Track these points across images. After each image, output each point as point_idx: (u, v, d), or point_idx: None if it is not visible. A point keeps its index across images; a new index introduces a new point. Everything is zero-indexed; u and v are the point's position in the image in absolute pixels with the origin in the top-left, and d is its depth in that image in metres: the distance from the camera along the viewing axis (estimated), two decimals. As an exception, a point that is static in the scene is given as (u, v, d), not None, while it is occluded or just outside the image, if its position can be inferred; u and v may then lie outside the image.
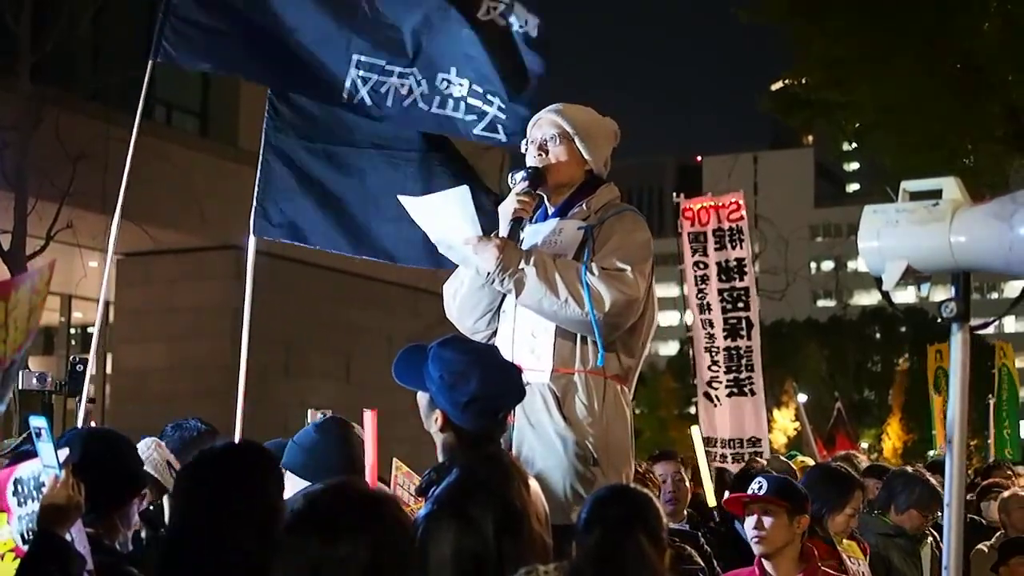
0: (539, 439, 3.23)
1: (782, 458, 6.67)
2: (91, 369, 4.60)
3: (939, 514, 5.03)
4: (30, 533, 2.68)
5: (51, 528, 2.56)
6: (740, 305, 6.86)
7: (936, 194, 1.94)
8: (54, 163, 12.22)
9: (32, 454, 2.75)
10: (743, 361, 6.82)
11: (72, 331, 18.22)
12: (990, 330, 2.36)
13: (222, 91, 15.93)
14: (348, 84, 4.40)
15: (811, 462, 6.99)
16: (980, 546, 5.25)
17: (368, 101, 4.40)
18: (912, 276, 1.96)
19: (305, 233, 4.79)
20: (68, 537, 2.59)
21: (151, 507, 4.39)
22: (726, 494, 4.68)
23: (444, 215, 3.36)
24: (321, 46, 4.43)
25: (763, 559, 3.56)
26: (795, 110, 17.46)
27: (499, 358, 2.93)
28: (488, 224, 3.42)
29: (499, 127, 4.45)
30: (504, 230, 3.37)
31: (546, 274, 3.22)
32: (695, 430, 5.70)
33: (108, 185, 12.07)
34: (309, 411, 4.94)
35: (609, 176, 3.63)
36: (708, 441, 6.64)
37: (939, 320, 1.98)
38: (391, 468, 4.79)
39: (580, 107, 3.58)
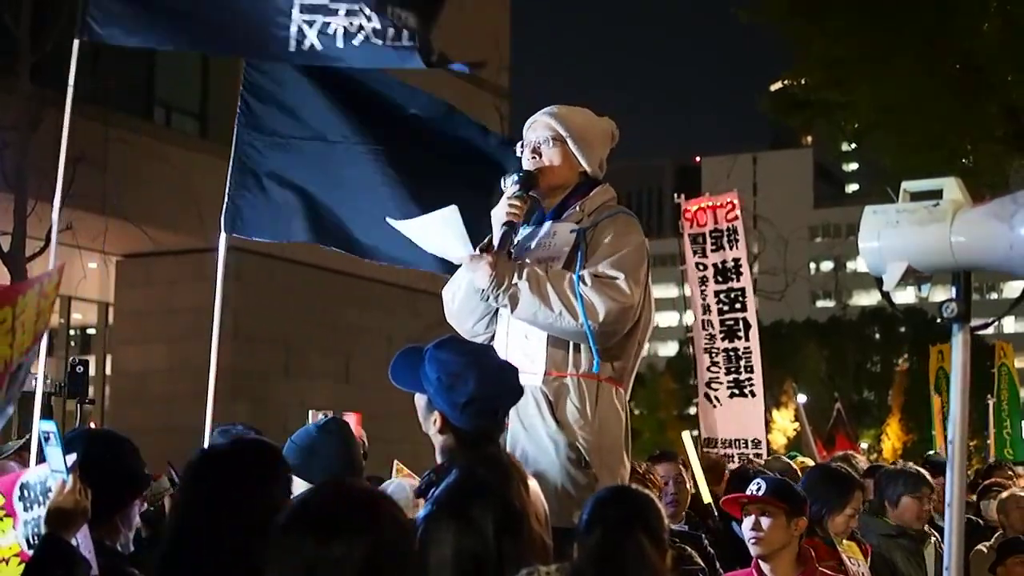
0: (532, 442, 3.23)
1: (783, 458, 6.66)
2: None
3: (936, 513, 5.05)
4: (35, 538, 2.68)
5: (57, 532, 2.57)
6: (737, 306, 6.86)
7: (937, 194, 1.94)
8: (54, 164, 12.21)
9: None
10: (742, 362, 6.82)
11: (72, 332, 18.21)
12: (989, 330, 2.36)
13: (222, 92, 15.93)
14: (294, 32, 4.10)
15: (811, 463, 6.98)
16: (979, 547, 5.25)
17: (319, 46, 4.10)
18: (913, 276, 1.96)
19: (278, 230, 4.67)
20: (74, 542, 2.59)
21: (151, 508, 4.39)
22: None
23: (435, 235, 3.40)
24: (257, 1, 4.17)
25: (760, 561, 3.55)
26: (795, 110, 17.47)
27: (496, 358, 2.94)
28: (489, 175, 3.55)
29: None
30: (497, 235, 3.37)
31: (539, 288, 3.23)
32: (685, 435, 5.73)
33: (108, 186, 12.09)
34: (310, 412, 4.95)
35: (608, 177, 3.62)
36: (708, 442, 6.64)
37: (939, 320, 1.98)
38: (392, 469, 4.80)
39: (576, 109, 3.57)
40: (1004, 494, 5.81)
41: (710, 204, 6.97)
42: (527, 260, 3.38)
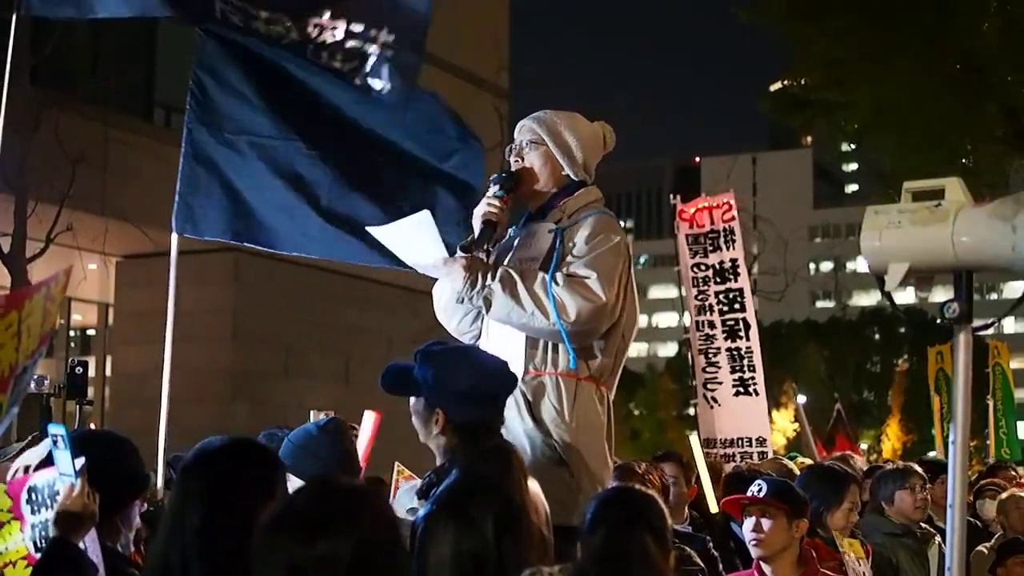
0: (510, 440, 3.25)
1: (783, 459, 6.66)
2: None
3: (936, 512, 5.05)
4: (43, 541, 2.69)
5: (66, 536, 2.57)
6: (736, 306, 6.86)
7: (938, 194, 1.94)
8: (54, 166, 12.22)
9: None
10: (744, 362, 6.82)
11: (71, 333, 18.20)
12: (989, 330, 2.36)
13: (221, 93, 15.95)
14: (217, 10, 4.09)
15: (811, 463, 6.98)
16: (980, 547, 5.25)
17: (239, 22, 4.10)
18: (914, 276, 1.96)
19: (228, 229, 4.57)
20: (82, 545, 2.60)
21: (152, 508, 4.39)
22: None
23: (409, 240, 3.44)
24: None
25: (761, 562, 3.54)
26: (794, 110, 17.47)
27: (485, 352, 3.01)
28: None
29: (383, 71, 4.15)
30: (477, 233, 3.43)
31: (512, 288, 3.27)
32: (693, 437, 5.71)
33: (107, 188, 12.09)
34: (311, 412, 4.94)
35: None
36: (707, 442, 6.64)
37: (939, 321, 1.97)
38: (393, 470, 4.79)
39: (564, 113, 3.61)
40: (1004, 495, 5.81)
41: (707, 205, 6.97)
42: (504, 261, 3.43)
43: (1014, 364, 13.26)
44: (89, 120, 13.15)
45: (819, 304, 64.18)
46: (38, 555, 2.69)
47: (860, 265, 58.46)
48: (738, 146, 64.65)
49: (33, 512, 2.73)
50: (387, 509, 1.85)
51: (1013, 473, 7.07)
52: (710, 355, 6.87)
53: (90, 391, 6.76)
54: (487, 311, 3.33)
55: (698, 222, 6.95)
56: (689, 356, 7.18)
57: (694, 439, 5.65)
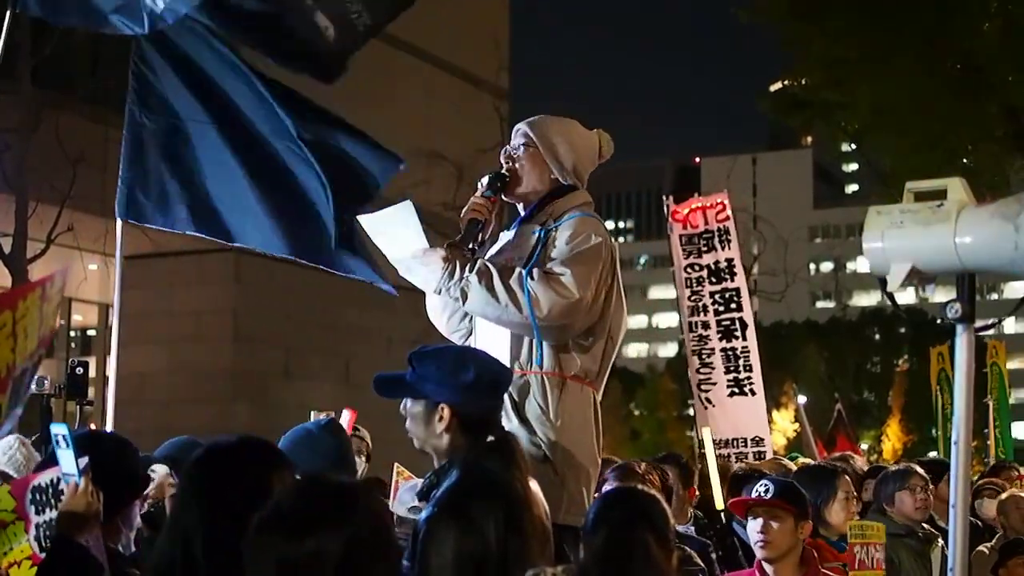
0: None
1: (783, 460, 6.66)
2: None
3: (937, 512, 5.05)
4: (47, 540, 2.69)
5: (70, 535, 2.58)
6: (733, 306, 6.86)
7: (940, 195, 1.93)
8: (54, 166, 12.22)
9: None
10: (740, 362, 6.82)
11: (72, 334, 18.20)
12: (990, 331, 2.36)
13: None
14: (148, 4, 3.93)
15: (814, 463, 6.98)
16: (981, 548, 5.25)
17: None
18: (916, 277, 1.95)
19: (172, 217, 4.36)
20: (85, 544, 2.60)
21: (152, 508, 4.38)
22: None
23: (391, 230, 3.47)
24: None
25: (764, 562, 3.54)
26: (794, 111, 17.48)
27: (477, 349, 3.05)
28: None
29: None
30: (463, 231, 3.48)
31: (488, 281, 3.30)
32: (706, 432, 5.69)
33: (108, 188, 12.08)
34: (312, 413, 4.93)
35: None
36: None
37: (940, 321, 1.97)
38: (392, 471, 4.79)
39: (559, 119, 3.65)
40: (1004, 495, 5.82)
41: (700, 205, 6.97)
42: (486, 257, 3.47)
43: (1013, 364, 13.27)
44: (89, 120, 13.14)
45: (819, 304, 64.17)
46: (43, 555, 2.69)
47: (860, 265, 58.51)
48: (738, 146, 64.71)
49: (37, 512, 2.74)
50: (378, 506, 1.85)
51: (1016, 473, 7.06)
52: (704, 356, 6.87)
53: (90, 391, 6.75)
54: (463, 303, 3.37)
55: (692, 223, 6.95)
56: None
57: (706, 432, 5.63)
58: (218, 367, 16.12)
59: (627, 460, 4.73)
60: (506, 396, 3.25)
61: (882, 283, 1.99)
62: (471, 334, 3.55)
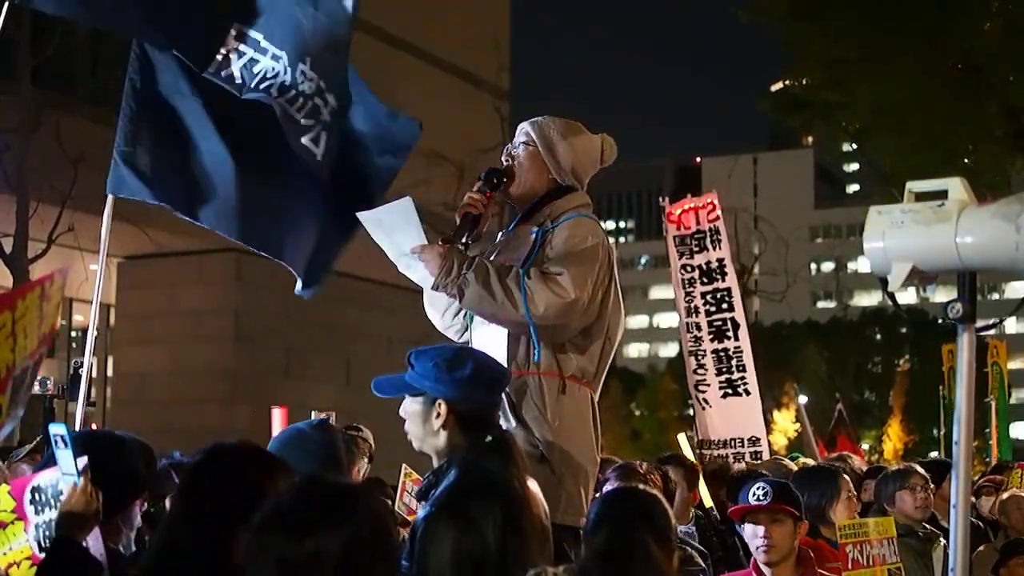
0: None
1: (783, 460, 6.66)
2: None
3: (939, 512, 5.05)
4: (47, 541, 2.69)
5: (69, 535, 2.58)
6: (724, 306, 6.86)
7: (941, 195, 1.93)
8: (54, 166, 12.23)
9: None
10: (733, 362, 6.82)
11: (73, 334, 18.21)
12: (992, 331, 2.35)
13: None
14: (220, 55, 3.94)
15: (813, 464, 6.98)
16: (982, 548, 5.26)
17: (238, 78, 3.94)
18: (917, 277, 1.95)
19: (166, 194, 4.20)
20: (85, 544, 2.60)
21: (152, 508, 4.38)
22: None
23: (391, 227, 3.47)
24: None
25: (763, 565, 3.53)
26: (795, 111, 17.48)
27: (477, 349, 3.06)
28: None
29: (321, 141, 4.04)
30: (457, 225, 3.50)
31: (485, 278, 3.31)
32: (681, 437, 5.72)
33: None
34: (312, 413, 4.93)
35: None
36: (703, 444, 6.64)
37: (941, 321, 1.97)
38: (400, 473, 4.80)
39: (561, 120, 3.65)
40: (1004, 495, 5.82)
41: (693, 206, 6.98)
42: (485, 256, 3.47)
43: (1013, 365, 13.27)
44: (89, 120, 13.15)
45: (820, 304, 64.18)
46: (42, 555, 2.70)
47: (861, 265, 58.47)
48: (738, 146, 64.73)
49: (37, 512, 2.74)
50: (378, 507, 1.85)
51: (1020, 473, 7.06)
52: (699, 357, 6.87)
53: (92, 392, 6.76)
54: (460, 300, 3.37)
55: (684, 223, 6.96)
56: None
57: (682, 438, 5.67)
58: (219, 367, 16.14)
59: (628, 460, 4.73)
60: (504, 397, 3.26)
61: (883, 283, 1.99)
62: (467, 330, 3.56)
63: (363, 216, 3.56)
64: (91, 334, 4.31)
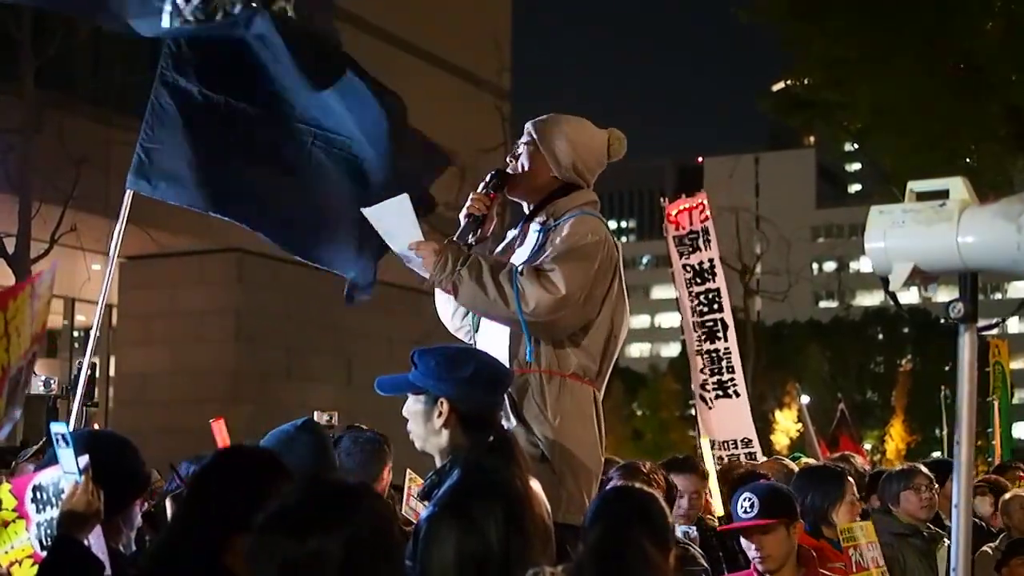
0: None
1: (784, 460, 6.65)
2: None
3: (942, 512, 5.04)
4: (48, 539, 2.70)
5: (71, 534, 2.58)
6: (715, 307, 6.87)
7: (943, 194, 1.93)
8: (57, 166, 12.24)
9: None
10: (723, 363, 6.82)
11: (75, 334, 18.23)
12: (994, 331, 2.35)
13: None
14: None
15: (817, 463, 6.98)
16: (985, 548, 5.25)
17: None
18: (919, 277, 1.95)
19: (186, 193, 4.07)
20: (86, 543, 2.60)
21: (153, 509, 4.38)
22: None
23: (391, 224, 3.48)
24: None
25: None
26: (796, 111, 17.47)
27: (480, 349, 3.06)
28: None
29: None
30: (461, 227, 3.51)
31: (479, 274, 3.31)
32: (705, 442, 5.68)
33: (111, 188, 12.12)
34: (315, 413, 4.92)
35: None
36: (710, 443, 6.64)
37: (943, 321, 1.97)
38: (405, 477, 4.79)
39: (566, 118, 3.65)
40: (1007, 495, 5.81)
41: (687, 206, 6.99)
42: (481, 252, 3.48)
43: (1016, 365, 13.24)
44: (92, 121, 13.17)
45: (822, 304, 64.11)
46: (44, 553, 2.70)
47: (863, 265, 58.38)
48: (739, 146, 64.71)
49: (38, 511, 2.75)
50: (381, 506, 1.85)
51: (1021, 474, 7.06)
52: (703, 356, 6.88)
53: (95, 392, 6.76)
54: (456, 296, 3.37)
55: (681, 224, 6.97)
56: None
57: (705, 443, 5.63)
58: (220, 367, 16.15)
59: (632, 460, 4.69)
60: (506, 395, 3.28)
61: (884, 283, 1.99)
62: (477, 331, 3.56)
63: (366, 212, 3.57)
64: (94, 333, 4.28)
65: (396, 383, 2.83)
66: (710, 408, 6.79)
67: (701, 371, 6.83)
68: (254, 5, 4.03)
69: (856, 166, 79.41)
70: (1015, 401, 12.84)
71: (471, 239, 3.50)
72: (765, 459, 6.52)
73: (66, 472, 2.64)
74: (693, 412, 7.26)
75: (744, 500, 3.51)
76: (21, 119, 11.84)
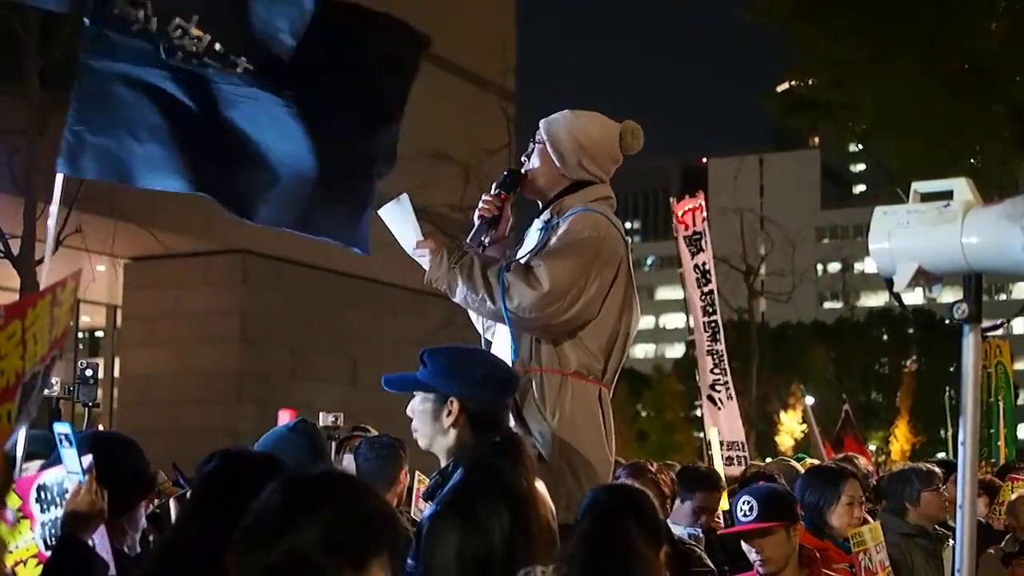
0: None
1: (790, 460, 6.64)
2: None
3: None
4: (53, 539, 2.70)
5: (75, 534, 2.59)
6: (710, 309, 6.92)
7: (947, 195, 1.93)
8: (62, 168, 12.24)
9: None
10: (723, 364, 6.87)
11: (80, 335, 18.25)
12: (998, 331, 2.35)
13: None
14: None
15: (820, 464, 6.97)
16: (989, 550, 5.24)
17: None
18: (923, 278, 1.95)
19: (120, 169, 3.84)
20: (91, 543, 2.61)
21: (157, 510, 4.39)
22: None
23: (396, 224, 3.48)
24: None
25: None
26: (800, 111, 17.47)
27: (488, 351, 3.10)
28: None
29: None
30: (474, 229, 3.51)
31: (470, 272, 3.32)
32: (714, 434, 5.67)
33: (116, 190, 12.13)
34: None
35: (613, 179, 3.64)
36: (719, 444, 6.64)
37: (947, 322, 1.97)
38: (412, 479, 4.80)
39: (575, 113, 3.62)
40: (1013, 496, 5.80)
41: (692, 207, 7.01)
42: (474, 248, 3.48)
43: (1019, 365, 13.20)
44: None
45: (827, 305, 64.03)
46: (48, 553, 2.70)
47: (868, 266, 58.23)
48: (743, 147, 64.58)
49: (43, 510, 2.75)
50: (358, 492, 1.81)
51: (1015, 476, 7.04)
52: (715, 356, 6.88)
53: (99, 393, 6.77)
54: (452, 295, 3.38)
55: (687, 223, 7.00)
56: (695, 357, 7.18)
57: (714, 435, 5.60)
58: (225, 368, 16.15)
59: (640, 460, 4.69)
60: None
61: (889, 284, 1.99)
62: (486, 331, 3.58)
63: (381, 212, 3.57)
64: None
65: (404, 381, 2.83)
66: (719, 408, 6.79)
67: (711, 371, 6.83)
68: None
69: (861, 167, 79.32)
70: (1020, 402, 12.81)
71: (486, 240, 3.50)
72: (754, 462, 6.53)
73: (69, 472, 2.65)
74: (698, 413, 7.27)
75: (743, 503, 3.50)
76: (26, 120, 11.85)
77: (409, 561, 2.59)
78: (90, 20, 3.71)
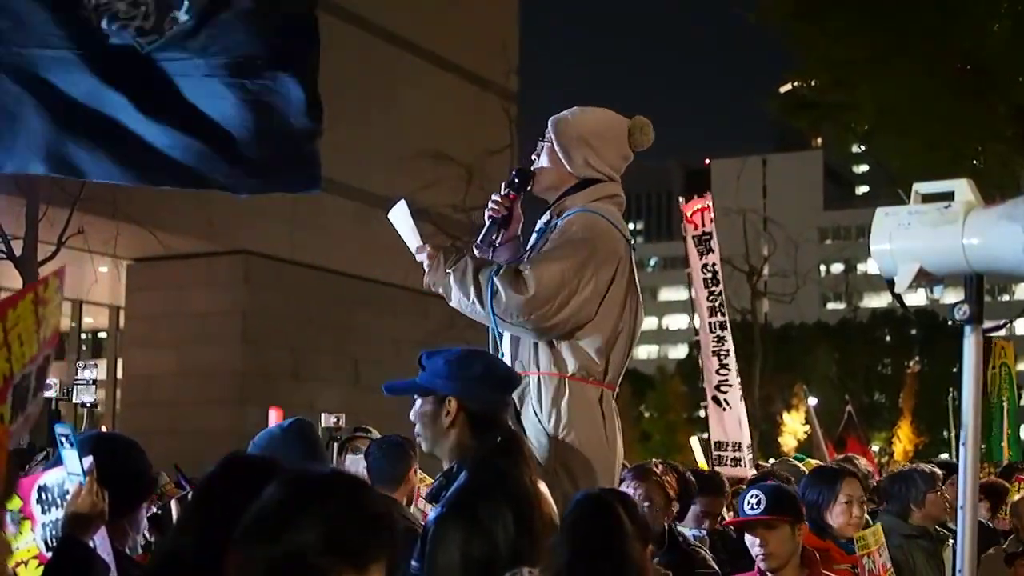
0: None
1: (793, 461, 6.64)
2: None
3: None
4: (54, 540, 2.70)
5: (75, 535, 2.58)
6: (720, 310, 6.92)
7: (948, 196, 1.93)
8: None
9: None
10: (730, 365, 6.86)
11: (83, 336, 18.27)
12: (1000, 332, 2.35)
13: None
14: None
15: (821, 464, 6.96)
16: (991, 550, 5.24)
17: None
18: (925, 279, 1.95)
19: (18, 159, 3.60)
20: (92, 544, 2.61)
21: (159, 511, 4.39)
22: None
23: (400, 228, 3.48)
24: None
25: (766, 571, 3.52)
26: (802, 112, 17.47)
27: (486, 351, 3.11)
28: None
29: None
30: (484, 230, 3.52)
31: (463, 276, 3.33)
32: (694, 440, 5.69)
33: (118, 190, 12.15)
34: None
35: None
36: (719, 445, 6.63)
37: (950, 323, 1.97)
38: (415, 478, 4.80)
39: (581, 111, 3.61)
40: (1016, 497, 5.80)
41: (700, 207, 7.02)
42: (471, 251, 3.50)
43: (1022, 366, 13.19)
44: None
45: (830, 306, 64.00)
46: (49, 554, 2.70)
47: (871, 267, 58.09)
48: (745, 148, 64.50)
49: (43, 511, 2.75)
50: (357, 489, 1.82)
51: (1021, 476, 7.04)
52: (722, 356, 6.86)
53: (97, 393, 6.77)
54: (448, 299, 3.38)
55: (696, 223, 7.00)
56: (700, 359, 7.17)
57: (694, 441, 5.64)
58: (227, 369, 16.17)
59: (645, 462, 4.69)
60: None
61: (890, 284, 1.99)
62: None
63: (390, 217, 3.56)
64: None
65: (404, 385, 2.84)
66: (725, 409, 6.78)
67: (718, 371, 6.82)
68: None
69: (863, 168, 79.24)
70: (1023, 403, 12.78)
71: (497, 240, 3.49)
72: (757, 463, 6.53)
73: (70, 473, 2.65)
74: (702, 414, 7.26)
75: (751, 497, 3.52)
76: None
77: (413, 563, 2.58)
78: None
